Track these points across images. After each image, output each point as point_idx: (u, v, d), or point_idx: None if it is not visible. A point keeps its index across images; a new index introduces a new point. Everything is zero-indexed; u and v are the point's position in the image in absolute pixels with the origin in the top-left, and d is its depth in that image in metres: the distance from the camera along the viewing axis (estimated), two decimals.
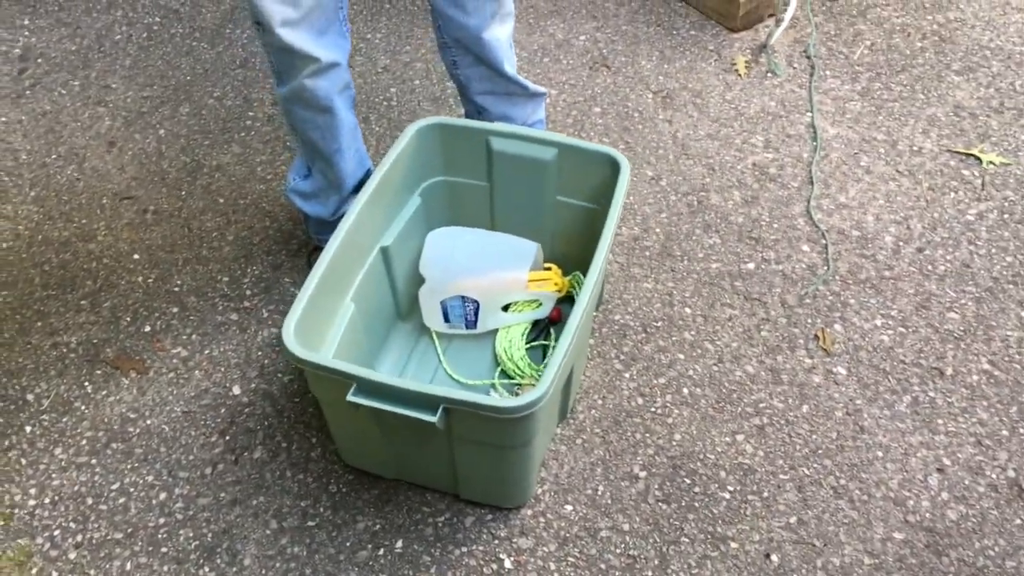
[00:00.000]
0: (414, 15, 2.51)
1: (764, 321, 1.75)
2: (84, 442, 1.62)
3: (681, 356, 1.71)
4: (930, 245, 1.86)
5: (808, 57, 2.29)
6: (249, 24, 2.47)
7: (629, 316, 1.78)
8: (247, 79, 2.33)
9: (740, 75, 2.27)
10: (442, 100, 2.26)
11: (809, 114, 2.15)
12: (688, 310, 1.79)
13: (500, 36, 1.64)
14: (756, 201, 1.98)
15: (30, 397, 1.69)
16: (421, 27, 2.47)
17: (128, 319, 1.81)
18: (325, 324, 1.47)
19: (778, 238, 1.90)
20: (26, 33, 2.53)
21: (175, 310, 1.83)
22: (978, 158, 2.01)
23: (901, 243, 1.87)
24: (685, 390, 1.66)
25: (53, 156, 2.16)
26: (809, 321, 1.75)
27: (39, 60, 2.43)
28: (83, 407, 1.67)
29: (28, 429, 1.64)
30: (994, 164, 2.00)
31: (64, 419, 1.65)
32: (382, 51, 2.41)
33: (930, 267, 1.82)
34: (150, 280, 1.89)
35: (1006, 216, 1.90)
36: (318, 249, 1.77)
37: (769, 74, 2.26)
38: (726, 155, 2.08)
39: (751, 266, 1.85)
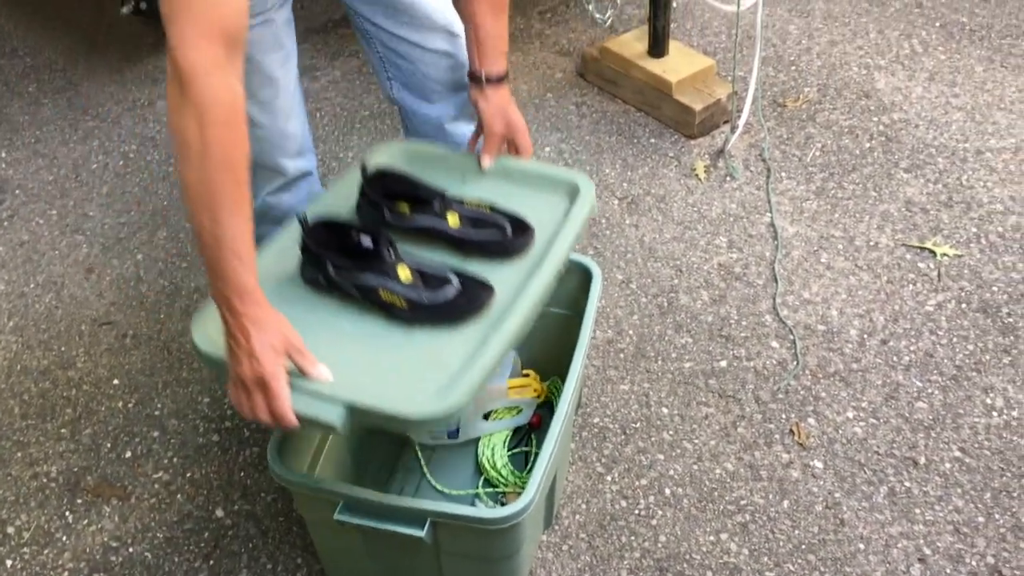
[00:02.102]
0: (384, 133, 2.60)
1: (740, 418, 1.79)
2: (66, 574, 1.60)
3: (661, 456, 1.73)
4: (893, 336, 1.92)
5: (764, 160, 2.39)
6: None
7: (608, 419, 1.81)
8: None
9: (700, 179, 2.37)
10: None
11: (768, 214, 2.24)
12: (665, 410, 1.82)
13: (467, 132, 1.65)
14: (724, 300, 2.04)
15: (10, 530, 1.67)
16: None
17: (109, 445, 1.81)
18: (308, 440, 1.49)
19: (748, 335, 1.95)
20: (3, 165, 2.58)
21: (156, 434, 1.83)
22: (932, 251, 2.10)
23: (866, 336, 1.93)
24: (667, 490, 1.68)
25: (31, 285, 2.19)
26: (783, 416, 1.79)
27: (16, 191, 2.48)
28: (64, 538, 1.65)
29: (9, 563, 1.62)
30: (948, 256, 2.08)
31: (45, 551, 1.63)
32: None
33: (895, 358, 1.88)
34: (130, 405, 1.89)
35: (963, 305, 1.97)
36: None
37: (728, 177, 2.36)
38: (692, 256, 2.15)
39: (723, 364, 1.90)
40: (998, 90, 2.55)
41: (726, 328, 1.97)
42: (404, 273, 1.26)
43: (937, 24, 2.83)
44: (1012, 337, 1.89)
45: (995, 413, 1.76)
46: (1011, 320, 1.93)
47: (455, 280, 1.27)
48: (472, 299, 1.27)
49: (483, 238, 1.37)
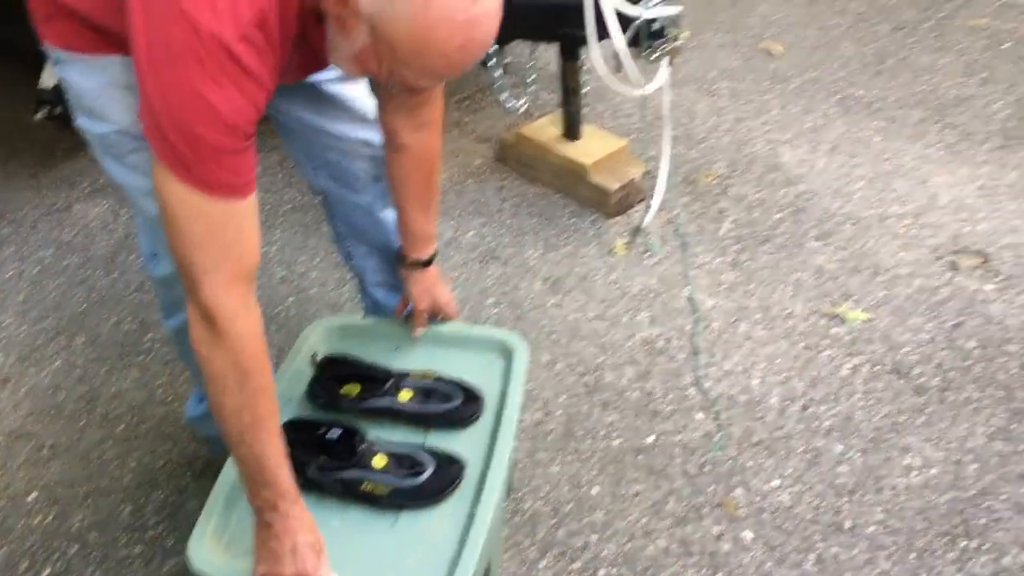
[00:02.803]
0: (307, 226, 2.61)
1: (669, 493, 1.80)
2: None
3: (594, 537, 1.73)
4: (813, 402, 1.97)
5: (679, 235, 2.46)
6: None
7: (540, 502, 1.81)
8: (143, 302, 2.36)
9: (620, 257, 2.42)
10: (339, 306, 2.33)
11: (687, 288, 2.29)
12: (596, 490, 1.83)
13: (393, 218, 1.68)
14: (648, 375, 2.07)
15: None
16: (315, 236, 2.57)
17: (26, 564, 1.74)
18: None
19: (673, 409, 1.98)
20: None
21: (75, 548, 1.77)
22: (844, 316, 2.17)
23: (786, 403, 1.97)
24: (602, 571, 1.67)
25: None
26: (712, 489, 1.81)
27: None
28: None
29: None
30: (859, 320, 2.16)
31: None
32: (277, 263, 2.48)
33: (816, 423, 1.92)
34: (48, 519, 1.83)
35: (877, 368, 2.04)
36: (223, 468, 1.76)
37: (646, 254, 2.42)
38: (616, 334, 2.19)
39: (651, 439, 1.92)
40: (896, 158, 2.67)
41: (652, 403, 2.00)
42: (380, 461, 1.34)
43: (836, 98, 2.97)
44: (924, 397, 1.96)
45: (914, 472, 1.80)
46: (922, 380, 1.99)
47: (428, 460, 1.35)
48: (447, 476, 1.35)
49: (437, 410, 1.46)
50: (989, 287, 2.22)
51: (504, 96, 2.60)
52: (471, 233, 2.55)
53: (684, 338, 2.16)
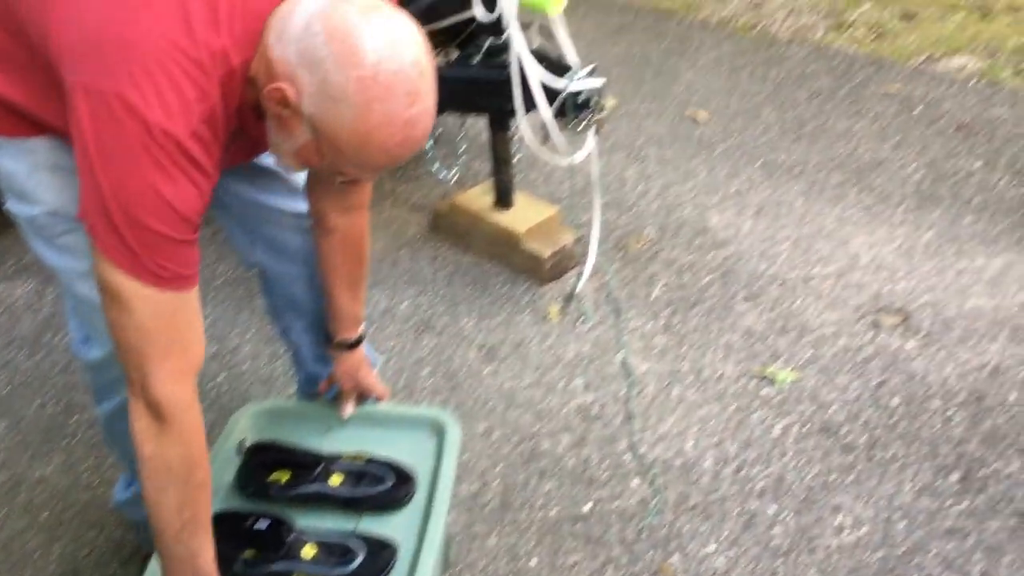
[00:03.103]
0: (239, 300, 2.59)
1: (607, 562, 1.80)
2: None
3: None
4: (746, 464, 1.99)
5: (612, 300, 2.49)
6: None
7: None
8: (68, 384, 2.30)
9: (554, 323, 2.44)
10: (271, 381, 2.30)
11: (620, 353, 2.32)
12: (534, 561, 1.81)
13: None
14: (584, 442, 2.08)
15: None
16: (247, 311, 2.54)
17: None
18: None
19: (609, 476, 1.99)
20: None
21: None
22: (773, 377, 2.21)
23: (720, 465, 1.99)
24: None
25: None
26: (649, 555, 1.81)
27: None
28: None
29: None
30: (788, 381, 2.20)
31: None
32: (209, 337, 2.44)
33: (749, 485, 1.94)
34: None
35: (806, 428, 2.07)
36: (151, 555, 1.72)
37: (580, 320, 2.44)
38: (551, 401, 2.20)
39: (588, 507, 1.92)
40: (818, 220, 2.76)
41: (588, 470, 2.00)
42: (309, 551, 1.33)
43: (759, 162, 3.07)
44: (853, 455, 2.00)
45: (845, 532, 1.83)
46: (850, 438, 2.04)
47: (359, 546, 1.35)
48: (379, 562, 1.34)
49: (369, 494, 1.45)
50: (911, 344, 2.29)
51: (436, 167, 2.63)
52: (405, 303, 2.55)
53: (619, 403, 2.18)
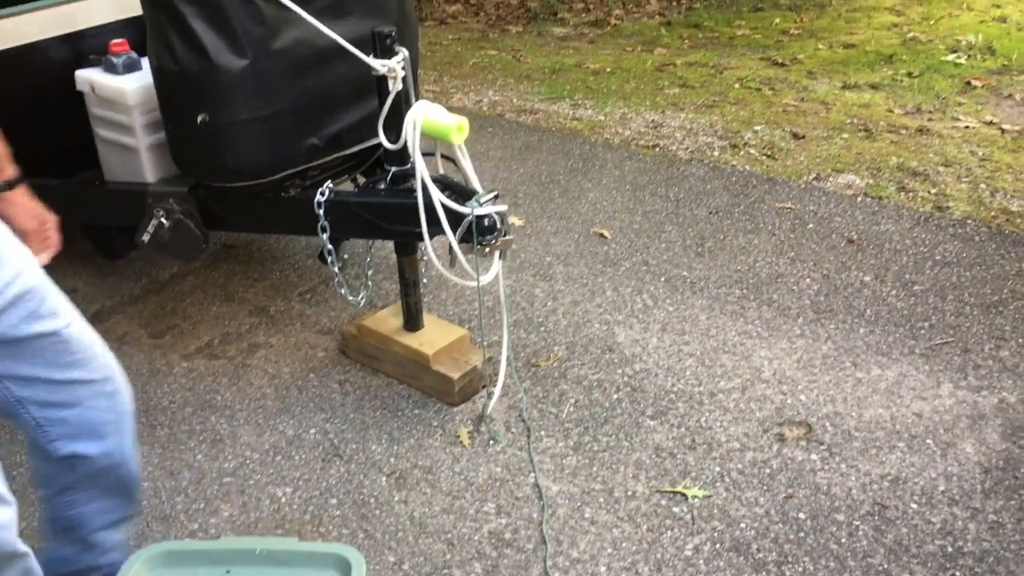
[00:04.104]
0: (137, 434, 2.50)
1: None
2: None
3: None
4: None
5: (523, 420, 2.49)
6: None
7: None
8: None
9: (465, 446, 2.42)
10: (172, 518, 2.21)
11: (532, 475, 2.31)
12: None
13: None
14: (496, 570, 2.04)
15: None
16: (147, 444, 2.46)
17: None
18: None
19: None
20: None
21: None
22: (684, 494, 2.22)
23: None
24: None
25: None
26: None
27: None
28: None
29: None
30: (698, 498, 2.21)
31: None
32: None
33: None
34: None
35: (718, 546, 2.08)
36: None
37: (491, 441, 2.43)
38: (463, 527, 2.16)
39: None
40: (721, 335, 2.83)
41: None
42: None
43: (663, 279, 3.15)
44: (764, 573, 2.00)
45: None
46: (761, 555, 2.04)
47: None
48: None
49: None
50: (814, 456, 2.33)
51: (344, 290, 2.63)
52: (313, 430, 2.50)
53: (531, 527, 2.15)
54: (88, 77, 2.62)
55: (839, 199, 3.62)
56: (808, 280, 3.10)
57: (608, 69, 5.38)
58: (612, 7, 6.60)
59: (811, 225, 3.45)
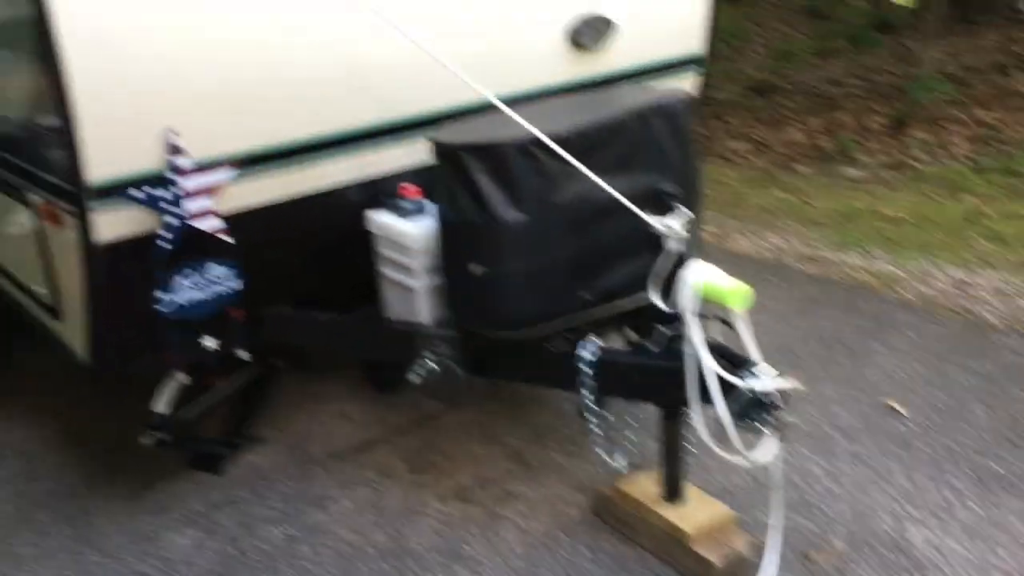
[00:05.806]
0: None
1: None
2: None
3: None
4: None
5: None
6: None
7: None
8: None
9: None
10: None
11: None
12: None
13: None
14: None
15: None
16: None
17: None
18: None
19: None
20: None
21: None
22: None
23: None
24: None
25: None
26: None
27: None
28: None
29: None
30: None
31: None
32: None
33: None
34: None
35: None
36: None
37: None
38: None
39: None
40: None
41: None
42: None
43: (968, 470, 2.73)
44: None
45: None
46: None
47: None
48: None
49: None
50: None
51: (602, 452, 2.50)
52: None
53: None
54: (378, 218, 2.74)
55: None
56: None
57: (906, 217, 4.95)
58: (912, 148, 6.16)
59: None
